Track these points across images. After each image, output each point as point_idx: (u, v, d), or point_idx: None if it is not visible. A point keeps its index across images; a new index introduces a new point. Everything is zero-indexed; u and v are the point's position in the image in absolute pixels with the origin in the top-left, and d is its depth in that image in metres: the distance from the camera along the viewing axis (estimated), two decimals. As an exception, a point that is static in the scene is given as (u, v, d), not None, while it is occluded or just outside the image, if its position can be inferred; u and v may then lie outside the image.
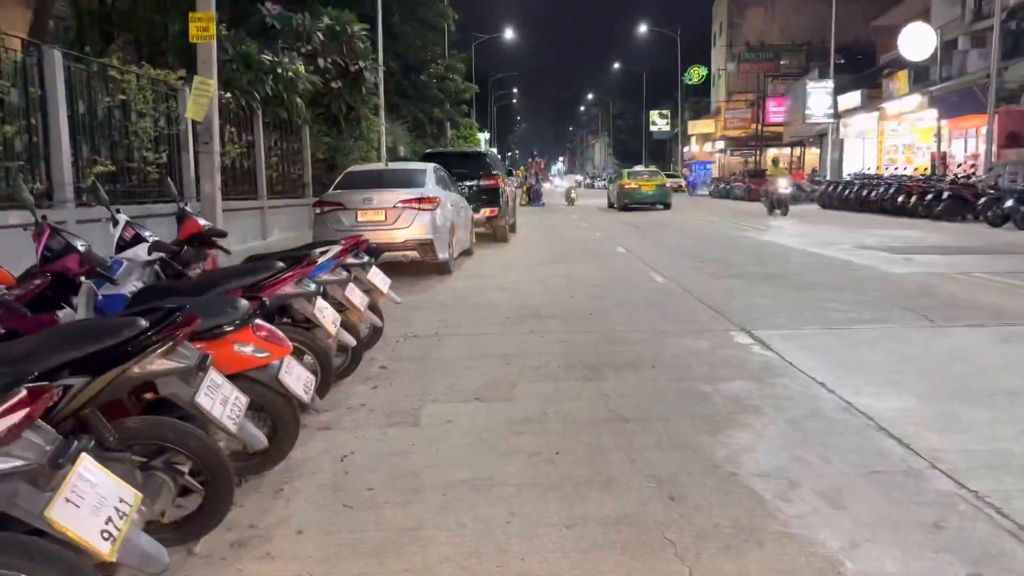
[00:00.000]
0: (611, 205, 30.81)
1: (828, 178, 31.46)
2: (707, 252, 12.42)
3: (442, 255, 9.71)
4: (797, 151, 49.13)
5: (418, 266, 9.91)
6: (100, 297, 3.93)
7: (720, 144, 55.15)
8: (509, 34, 62.65)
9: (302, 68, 13.65)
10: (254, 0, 15.12)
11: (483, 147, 65.96)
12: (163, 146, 9.44)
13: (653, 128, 72.72)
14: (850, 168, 33.99)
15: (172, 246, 4.97)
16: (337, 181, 10.35)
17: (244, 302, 3.14)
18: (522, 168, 35.27)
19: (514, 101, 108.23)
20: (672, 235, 16.31)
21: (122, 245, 4.42)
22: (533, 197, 33.39)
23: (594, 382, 4.72)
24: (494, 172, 14.89)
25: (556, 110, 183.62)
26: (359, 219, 9.32)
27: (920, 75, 28.65)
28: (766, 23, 54.05)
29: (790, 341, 5.72)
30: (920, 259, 10.80)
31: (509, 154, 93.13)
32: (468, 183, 14.26)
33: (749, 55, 48.78)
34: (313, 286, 4.12)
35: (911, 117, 28.21)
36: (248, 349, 3.01)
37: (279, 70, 13.11)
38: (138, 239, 4.43)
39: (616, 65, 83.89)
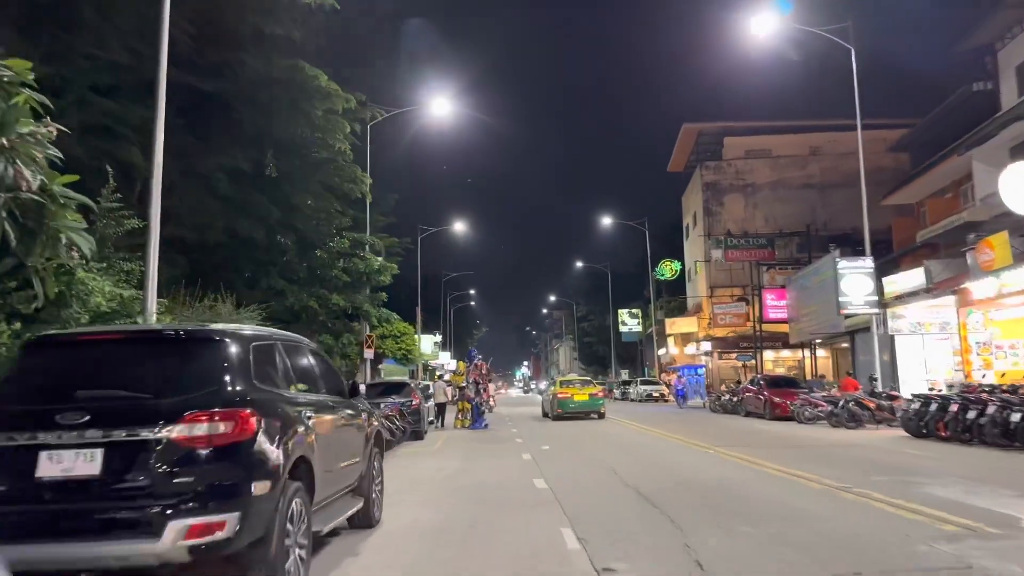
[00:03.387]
0: (545, 414, 29.14)
1: (881, 387, 22.18)
2: None
3: None
4: (800, 354, 40.54)
5: None
6: None
7: (706, 346, 46.56)
8: (459, 227, 55.94)
9: None
10: None
11: (429, 350, 56.57)
12: None
13: (623, 329, 64.69)
14: (908, 376, 24.92)
15: None
16: None
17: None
18: (454, 373, 25.32)
19: (472, 304, 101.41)
20: (766, 537, 6.26)
21: None
22: (474, 416, 23.39)
23: None
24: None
25: (520, 314, 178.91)
26: None
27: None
28: (747, 211, 47.84)
29: None
30: None
31: (475, 361, 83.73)
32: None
33: (737, 242, 41.60)
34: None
35: (1009, 301, 19.55)
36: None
37: None
38: None
39: (579, 264, 77.76)
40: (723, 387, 34.20)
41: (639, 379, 48.88)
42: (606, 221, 56.88)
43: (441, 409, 24.37)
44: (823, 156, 48.40)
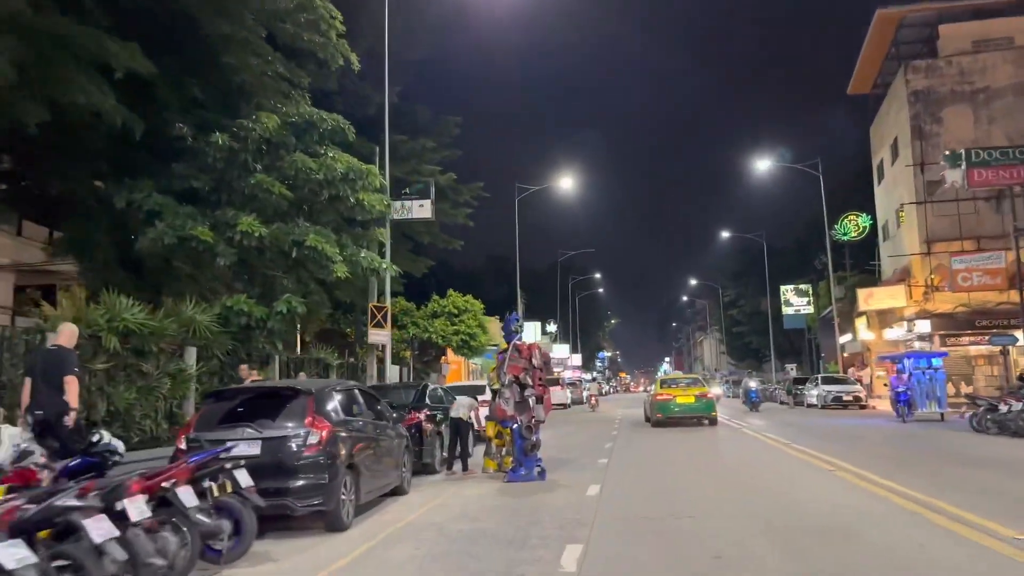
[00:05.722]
0: (647, 419, 24.42)
1: None
2: None
3: None
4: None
5: None
6: None
7: (922, 325, 31.78)
8: (566, 184, 44.02)
9: None
10: None
11: (521, 336, 44.99)
12: None
13: (787, 311, 50.11)
14: None
15: None
16: None
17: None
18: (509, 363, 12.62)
19: (600, 290, 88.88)
20: None
21: None
22: (516, 454, 11.26)
23: None
24: None
25: (660, 303, 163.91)
26: None
27: None
28: (979, 127, 32.58)
29: None
30: None
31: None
32: None
33: (988, 156, 26.86)
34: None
35: None
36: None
37: None
38: None
39: (725, 234, 63.39)
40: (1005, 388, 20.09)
41: (820, 376, 34.63)
42: (762, 167, 42.78)
43: (460, 433, 12.47)
44: (1096, 42, 32.38)
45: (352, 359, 20.69)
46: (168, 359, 11.38)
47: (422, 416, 12.42)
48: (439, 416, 13.06)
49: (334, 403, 8.25)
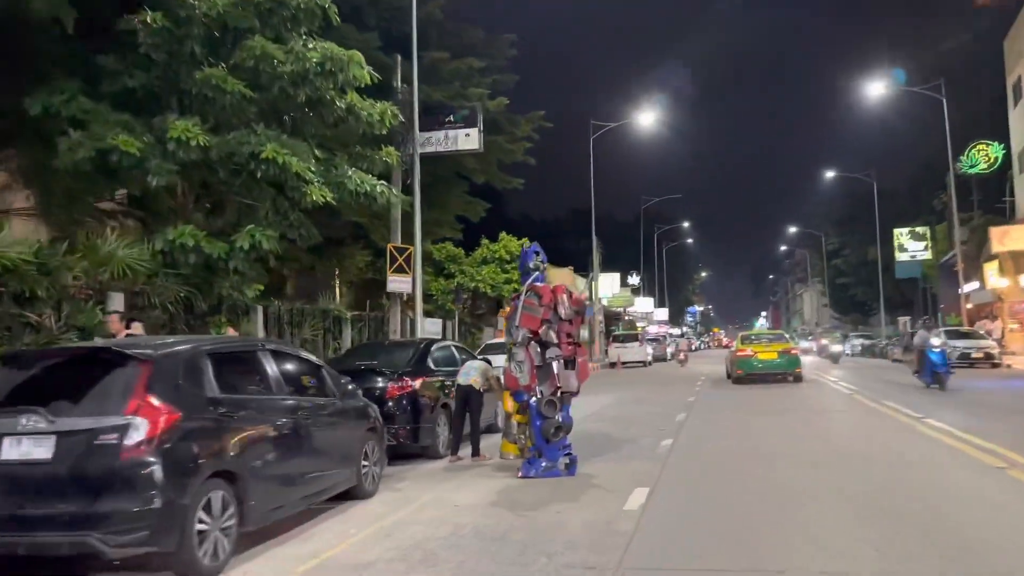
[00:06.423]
0: (728, 375, 23.44)
1: None
2: None
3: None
4: None
5: None
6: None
7: (1076, 270, 26.45)
8: (646, 121, 39.96)
9: None
10: None
11: (611, 292, 41.40)
12: None
13: (901, 257, 44.48)
14: None
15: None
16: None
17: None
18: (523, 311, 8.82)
19: (689, 240, 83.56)
20: None
21: None
22: (535, 439, 8.03)
23: None
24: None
25: (755, 254, 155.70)
26: None
27: None
28: None
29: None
30: None
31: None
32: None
33: None
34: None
35: None
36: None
37: None
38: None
39: (829, 174, 57.32)
40: None
41: (943, 330, 29.61)
42: (874, 92, 37.18)
43: (471, 406, 9.35)
44: None
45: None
46: (78, 308, 8.65)
47: (417, 384, 9.34)
48: (447, 384, 9.94)
49: (199, 374, 5.17)
